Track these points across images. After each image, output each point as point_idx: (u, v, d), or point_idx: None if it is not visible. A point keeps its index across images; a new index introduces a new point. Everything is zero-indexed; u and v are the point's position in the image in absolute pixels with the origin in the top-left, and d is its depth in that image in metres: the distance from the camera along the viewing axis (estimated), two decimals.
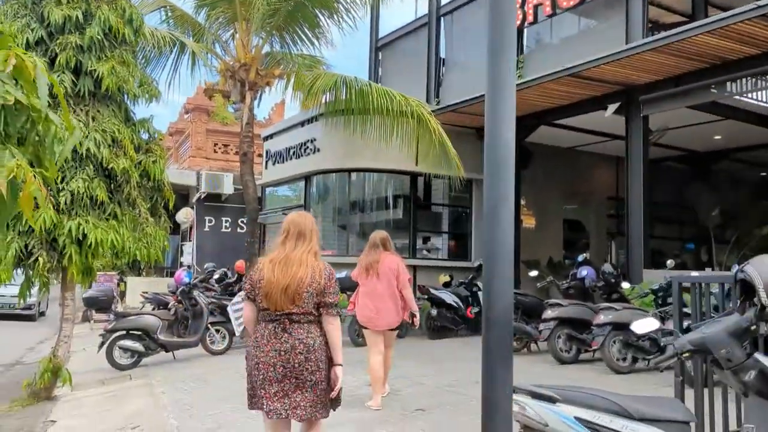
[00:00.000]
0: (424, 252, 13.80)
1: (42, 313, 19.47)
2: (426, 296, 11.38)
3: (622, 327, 7.87)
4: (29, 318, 17.98)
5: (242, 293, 9.80)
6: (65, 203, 7.42)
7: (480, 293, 11.92)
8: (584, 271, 9.51)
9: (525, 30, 12.91)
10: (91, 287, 10.36)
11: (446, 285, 11.99)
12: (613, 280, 9.01)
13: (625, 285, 8.66)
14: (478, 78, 14.37)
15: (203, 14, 10.96)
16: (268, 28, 10.81)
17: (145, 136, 8.65)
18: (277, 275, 3.44)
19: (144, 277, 19.48)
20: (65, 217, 7.44)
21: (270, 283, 3.43)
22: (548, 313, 8.52)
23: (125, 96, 8.34)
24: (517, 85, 10.52)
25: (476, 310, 11.74)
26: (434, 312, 11.21)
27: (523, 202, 12.98)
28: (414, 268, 12.55)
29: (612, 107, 10.61)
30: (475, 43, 14.45)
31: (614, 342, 7.80)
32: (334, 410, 3.63)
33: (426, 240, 13.98)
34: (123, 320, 9.07)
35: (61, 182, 7.52)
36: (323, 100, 12.06)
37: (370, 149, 12.20)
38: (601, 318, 7.85)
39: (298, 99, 12.57)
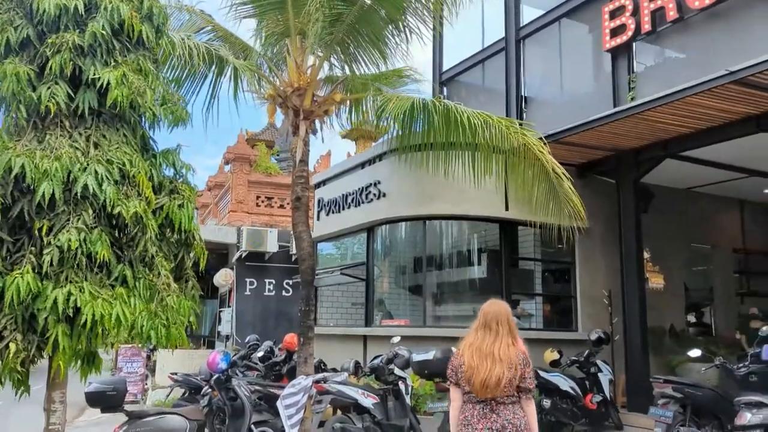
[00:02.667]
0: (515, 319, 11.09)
1: None
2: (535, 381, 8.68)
3: None
4: None
5: (298, 381, 7.33)
6: (50, 264, 5.13)
7: (602, 375, 9.16)
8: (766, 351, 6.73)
9: (635, 44, 10.50)
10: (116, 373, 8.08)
11: (554, 364, 9.26)
12: None
13: None
14: (572, 106, 11.91)
15: (251, 33, 8.86)
16: (327, 42, 8.65)
17: (169, 173, 6.38)
18: (477, 364, 3.76)
19: (177, 349, 17.12)
20: (49, 284, 5.14)
21: (471, 369, 3.78)
22: (748, 417, 5.75)
23: (142, 118, 6.15)
24: (648, 102, 8.06)
25: (598, 398, 8.94)
26: (547, 403, 8.44)
27: (646, 256, 10.27)
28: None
29: None
30: (568, 67, 12.12)
31: None
32: None
33: (515, 304, 11.29)
34: (138, 424, 6.60)
35: (47, 234, 5.26)
36: (392, 135, 9.79)
37: (451, 191, 9.78)
38: None
39: (343, 148, 10.36)
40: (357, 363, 8.36)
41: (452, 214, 9.98)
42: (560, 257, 11.11)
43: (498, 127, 8.23)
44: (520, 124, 9.00)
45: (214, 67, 8.62)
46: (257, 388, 8.41)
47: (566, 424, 8.66)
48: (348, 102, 9.68)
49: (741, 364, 7.09)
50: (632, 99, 9.94)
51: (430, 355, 7.71)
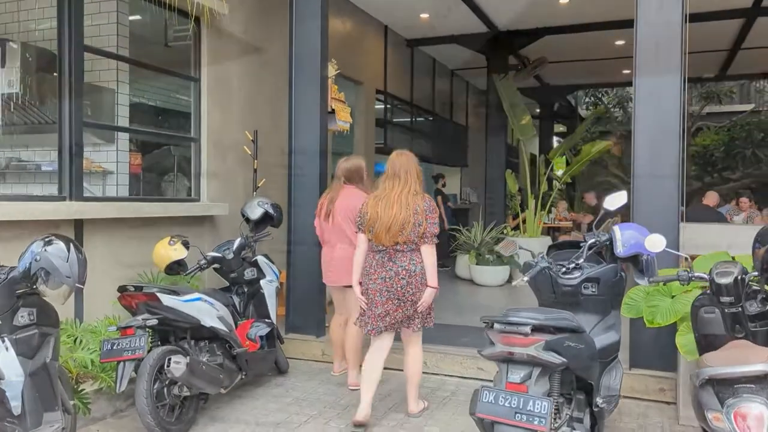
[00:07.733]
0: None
1: None
2: (149, 314, 3.88)
3: None
4: None
5: None
6: None
7: (265, 282, 4.99)
8: (630, 245, 3.42)
9: None
10: None
11: (174, 270, 4.58)
12: None
13: None
14: None
15: None
16: None
17: None
18: (380, 213, 3.84)
19: None
20: None
21: (373, 219, 3.86)
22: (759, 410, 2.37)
23: None
24: None
25: (263, 329, 4.71)
26: (177, 367, 3.75)
27: (332, 74, 6.04)
28: (78, 226, 4.70)
29: None
30: None
31: None
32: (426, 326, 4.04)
33: (77, 149, 5.79)
34: None
35: None
36: None
37: None
38: None
39: None
40: None
41: None
42: (171, 66, 6.06)
43: None
44: None
45: None
46: None
47: (206, 396, 4.25)
48: None
49: (569, 264, 3.78)
50: None
51: None
